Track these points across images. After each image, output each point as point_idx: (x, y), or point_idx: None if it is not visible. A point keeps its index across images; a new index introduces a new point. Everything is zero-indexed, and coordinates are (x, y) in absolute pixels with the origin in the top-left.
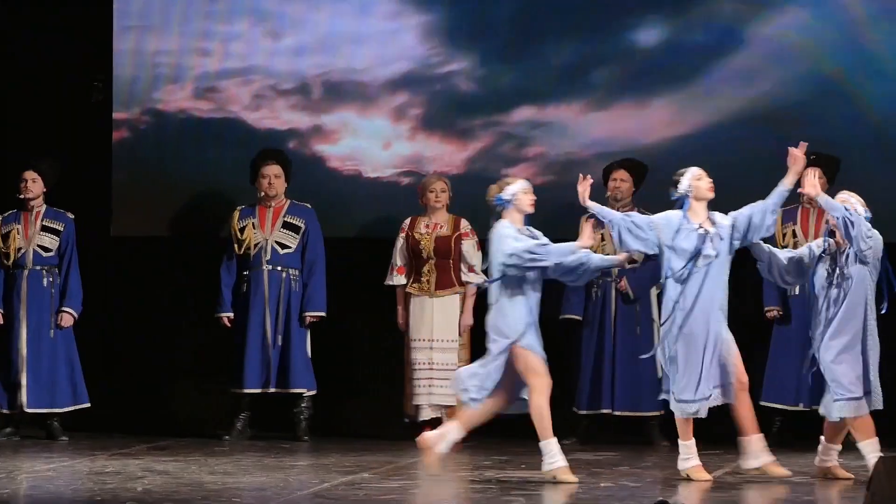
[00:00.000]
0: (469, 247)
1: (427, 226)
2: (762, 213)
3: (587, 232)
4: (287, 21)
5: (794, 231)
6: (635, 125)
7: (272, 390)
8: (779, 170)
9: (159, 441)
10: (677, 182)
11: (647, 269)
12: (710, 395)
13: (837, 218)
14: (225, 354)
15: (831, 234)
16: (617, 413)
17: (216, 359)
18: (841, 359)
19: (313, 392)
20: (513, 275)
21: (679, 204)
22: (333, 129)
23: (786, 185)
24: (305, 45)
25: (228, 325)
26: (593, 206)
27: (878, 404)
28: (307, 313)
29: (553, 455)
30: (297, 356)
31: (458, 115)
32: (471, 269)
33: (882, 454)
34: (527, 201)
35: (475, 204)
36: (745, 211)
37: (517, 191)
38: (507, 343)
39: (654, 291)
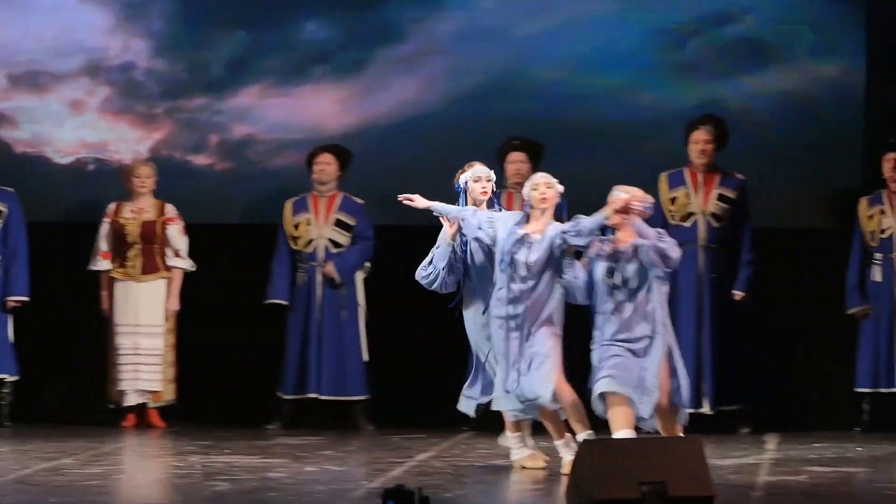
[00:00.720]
0: (175, 231)
1: (132, 210)
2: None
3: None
4: None
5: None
6: (316, 110)
7: None
8: (464, 148)
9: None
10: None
11: (353, 254)
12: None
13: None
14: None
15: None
16: (323, 397)
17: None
18: None
19: (15, 378)
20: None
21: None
22: (17, 117)
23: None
24: None
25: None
26: (436, 207)
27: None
28: (9, 298)
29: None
30: None
31: (140, 101)
32: (176, 253)
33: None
34: (477, 189)
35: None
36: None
37: (467, 178)
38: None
39: (359, 276)
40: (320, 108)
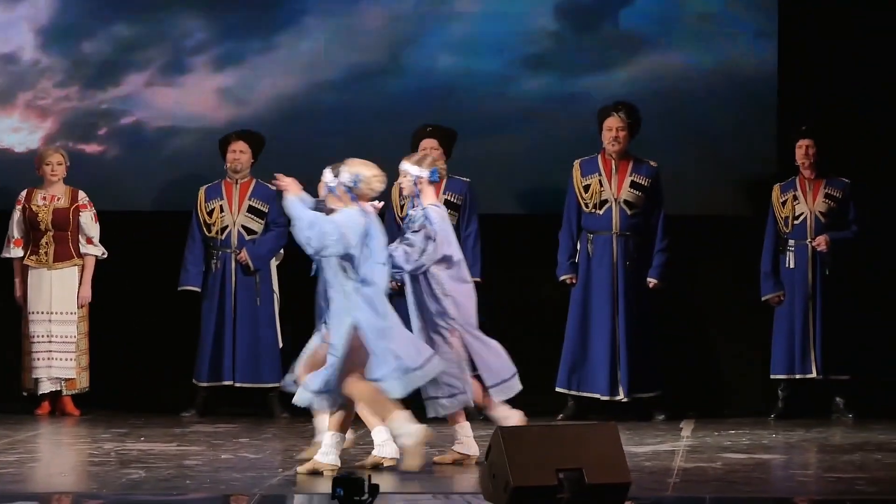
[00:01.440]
0: (87, 218)
1: (44, 198)
2: None
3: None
4: None
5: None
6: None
7: None
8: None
9: None
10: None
11: (267, 241)
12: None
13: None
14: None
15: None
16: (238, 385)
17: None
18: None
19: None
20: None
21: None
22: None
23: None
24: None
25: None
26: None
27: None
28: None
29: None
30: None
31: (27, 92)
32: (89, 240)
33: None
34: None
35: None
36: None
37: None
38: None
39: (273, 263)
40: (203, 97)
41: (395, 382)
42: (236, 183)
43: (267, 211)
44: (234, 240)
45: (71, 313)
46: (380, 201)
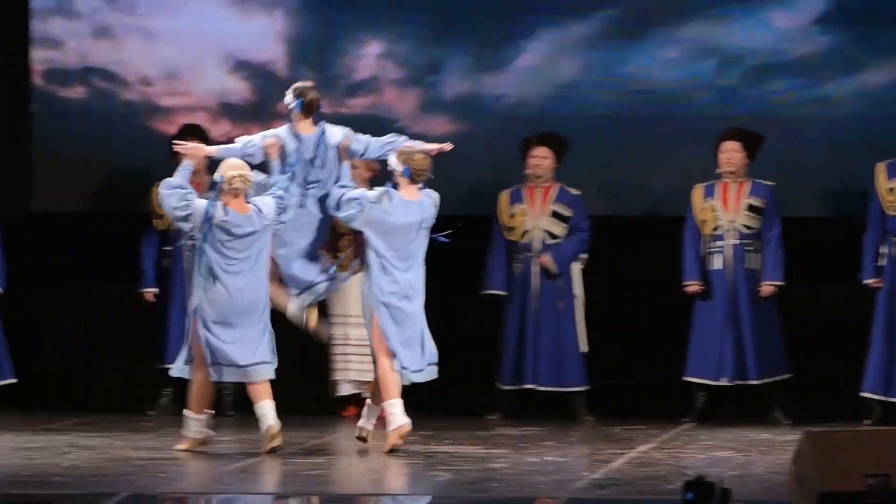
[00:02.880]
0: None
1: None
2: None
3: None
4: None
5: (712, 206)
6: None
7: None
8: None
9: (85, 417)
10: None
11: (570, 245)
12: None
13: None
14: (149, 330)
15: None
16: (541, 388)
17: (140, 334)
18: None
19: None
20: None
21: None
22: None
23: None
24: None
25: (153, 299)
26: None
27: None
28: None
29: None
30: None
31: None
32: None
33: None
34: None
35: None
36: None
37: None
38: None
39: (576, 266)
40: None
41: None
42: (539, 187)
43: (570, 215)
44: (537, 244)
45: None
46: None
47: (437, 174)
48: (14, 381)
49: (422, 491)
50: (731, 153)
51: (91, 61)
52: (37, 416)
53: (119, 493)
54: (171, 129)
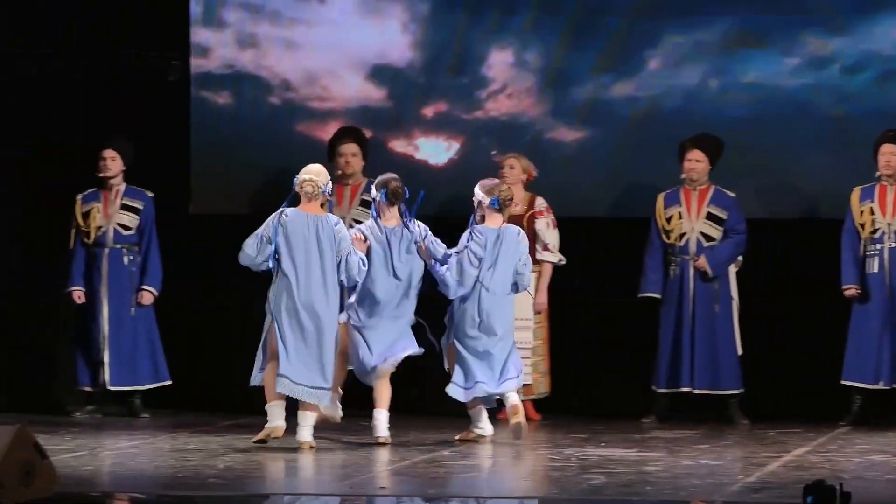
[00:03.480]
0: (543, 225)
1: None
2: None
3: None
4: None
5: (871, 209)
6: None
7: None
8: None
9: (240, 419)
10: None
11: (726, 247)
12: None
13: None
14: None
15: None
16: (696, 391)
17: None
18: None
19: None
20: None
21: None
22: None
23: None
24: None
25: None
26: None
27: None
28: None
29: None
30: None
31: None
32: (545, 247)
33: None
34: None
35: None
36: None
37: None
38: None
39: (732, 269)
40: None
41: None
42: (694, 190)
43: (725, 217)
44: (693, 246)
45: (527, 319)
46: None
47: (590, 180)
48: (169, 382)
49: (575, 494)
50: (889, 156)
51: (238, 68)
52: (192, 418)
53: (274, 494)
54: (318, 132)
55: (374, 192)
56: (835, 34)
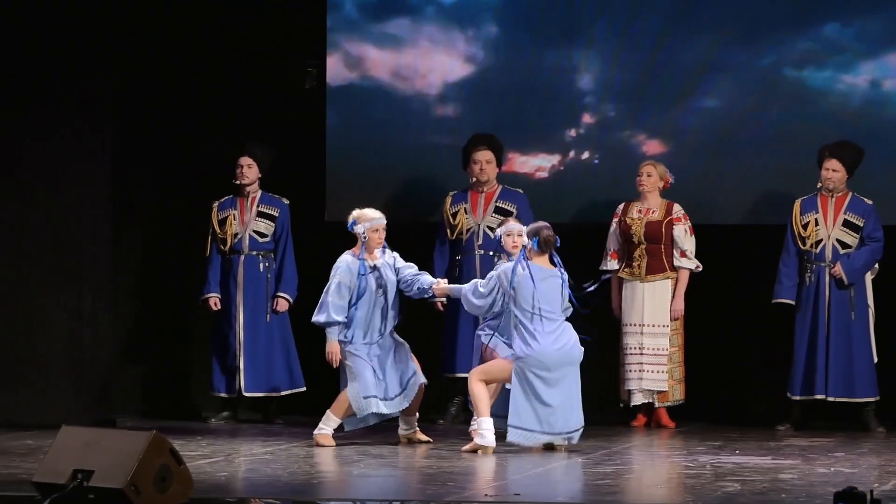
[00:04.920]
0: (680, 231)
1: (639, 210)
2: None
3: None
4: None
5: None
6: None
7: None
8: None
9: (375, 425)
10: None
11: (862, 255)
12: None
13: None
14: (436, 340)
15: None
16: (831, 399)
17: (429, 343)
18: None
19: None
20: None
21: None
22: None
23: None
24: None
25: (441, 309)
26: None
27: None
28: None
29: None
30: None
31: None
32: (682, 253)
33: None
34: (509, 244)
35: None
36: None
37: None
38: None
39: (868, 277)
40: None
41: None
42: (832, 196)
43: (862, 225)
44: (829, 253)
45: (663, 326)
46: None
47: (725, 185)
48: (304, 389)
49: (710, 502)
50: None
51: (374, 76)
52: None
53: (410, 500)
54: (451, 140)
55: (525, 239)
56: None
